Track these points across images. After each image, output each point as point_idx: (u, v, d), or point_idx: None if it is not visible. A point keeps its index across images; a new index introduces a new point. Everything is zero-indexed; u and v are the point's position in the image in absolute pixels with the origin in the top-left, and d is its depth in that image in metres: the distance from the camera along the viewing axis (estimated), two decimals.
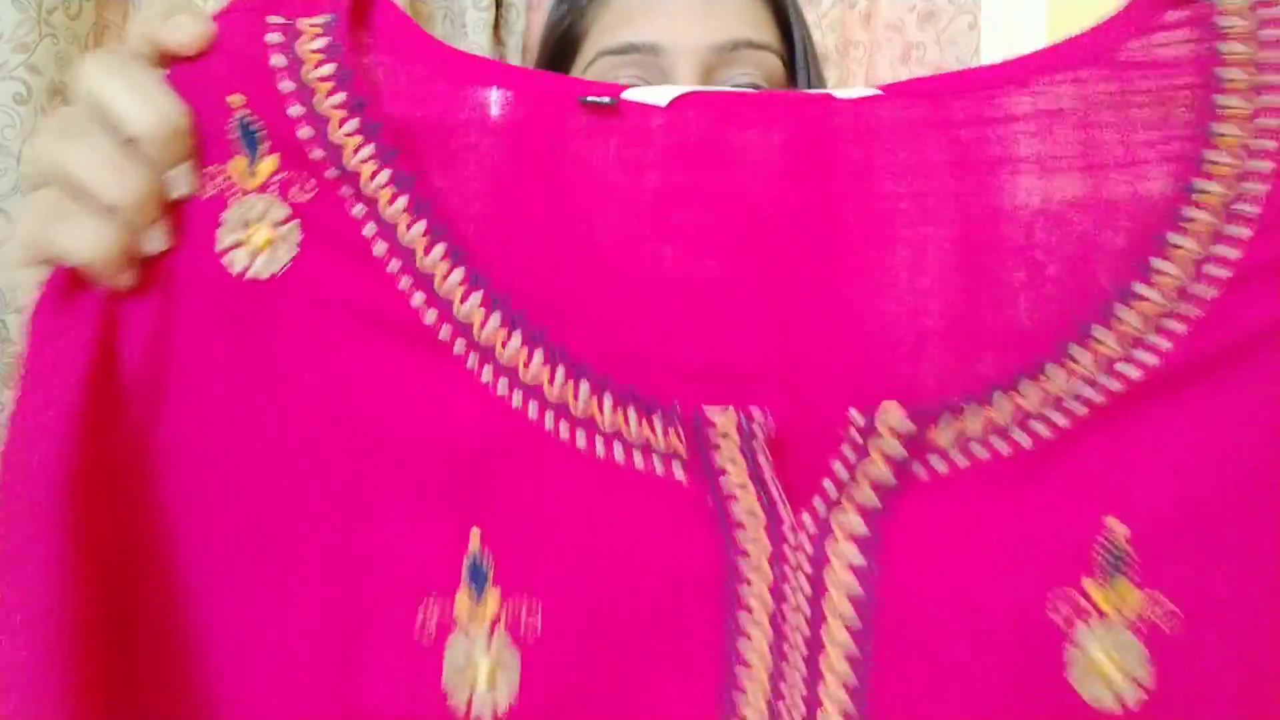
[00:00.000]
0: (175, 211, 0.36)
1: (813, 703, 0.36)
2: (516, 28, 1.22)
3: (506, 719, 0.35)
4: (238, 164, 0.36)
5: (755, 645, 0.36)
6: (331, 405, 0.37)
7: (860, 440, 0.34)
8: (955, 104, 0.33)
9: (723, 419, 0.35)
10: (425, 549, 0.37)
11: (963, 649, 0.35)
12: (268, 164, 0.36)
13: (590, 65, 0.65)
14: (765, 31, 0.65)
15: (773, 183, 0.34)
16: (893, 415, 0.34)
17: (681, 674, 0.36)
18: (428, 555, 0.37)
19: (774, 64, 0.64)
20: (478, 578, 0.36)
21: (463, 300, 0.36)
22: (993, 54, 1.21)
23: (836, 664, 0.36)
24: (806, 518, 0.36)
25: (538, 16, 1.21)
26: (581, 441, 0.37)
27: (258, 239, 0.37)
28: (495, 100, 0.35)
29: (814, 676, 0.36)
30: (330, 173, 0.36)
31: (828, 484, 0.35)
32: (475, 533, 0.37)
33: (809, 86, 0.67)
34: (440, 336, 0.36)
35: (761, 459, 0.35)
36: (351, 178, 0.35)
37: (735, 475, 0.36)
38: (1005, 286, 0.34)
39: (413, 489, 0.37)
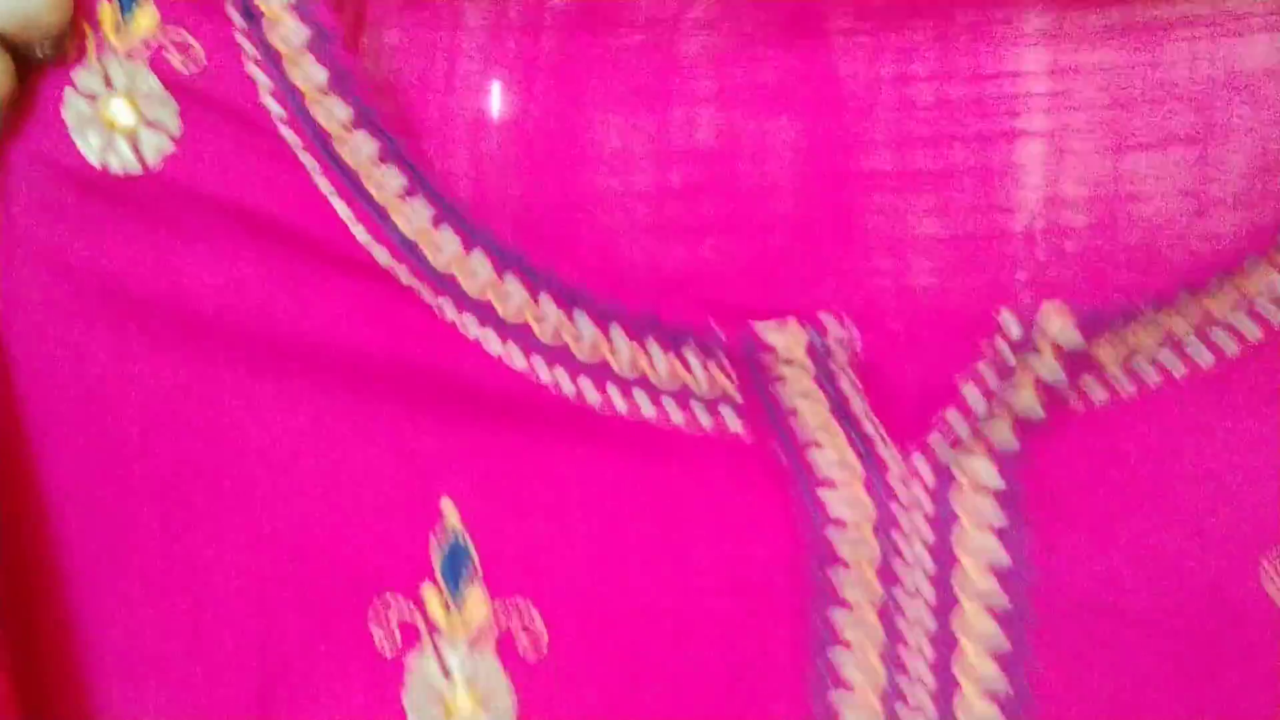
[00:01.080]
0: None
1: None
2: None
3: None
4: (106, 14, 0.27)
5: (859, 657, 0.26)
6: (228, 323, 0.27)
7: (1009, 356, 0.24)
8: None
9: (784, 338, 0.25)
10: (372, 517, 0.26)
11: (1155, 639, 0.25)
12: (145, 18, 0.26)
13: None
14: None
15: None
16: (1058, 323, 0.24)
17: (753, 711, 0.26)
18: (376, 527, 0.26)
19: None
20: (455, 568, 0.26)
21: (408, 215, 0.26)
22: None
23: (979, 664, 0.25)
24: (921, 463, 0.26)
25: None
26: (592, 395, 0.26)
27: (120, 119, 0.27)
28: None
29: (947, 688, 0.25)
30: (239, 22, 0.26)
31: (954, 416, 0.25)
32: (448, 504, 0.26)
33: None
34: (380, 262, 0.26)
35: (847, 386, 0.25)
36: (261, 32, 0.25)
37: (812, 415, 0.26)
38: (1225, 149, 0.24)
39: (349, 429, 0.26)
